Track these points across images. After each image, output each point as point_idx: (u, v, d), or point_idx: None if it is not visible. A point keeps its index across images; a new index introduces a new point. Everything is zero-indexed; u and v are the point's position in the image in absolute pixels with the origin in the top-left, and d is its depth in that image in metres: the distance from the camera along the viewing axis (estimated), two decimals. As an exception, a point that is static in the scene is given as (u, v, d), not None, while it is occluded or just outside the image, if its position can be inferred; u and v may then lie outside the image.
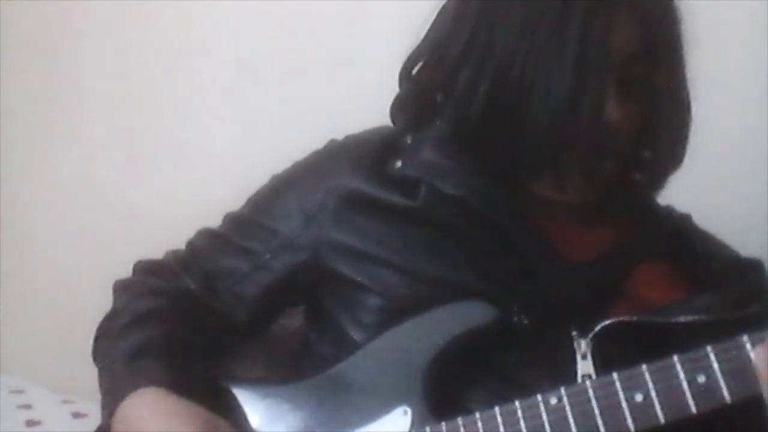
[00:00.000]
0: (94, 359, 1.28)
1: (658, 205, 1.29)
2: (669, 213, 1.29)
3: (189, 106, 2.15)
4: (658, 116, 1.17)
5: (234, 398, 1.20)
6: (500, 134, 1.15)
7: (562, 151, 1.13)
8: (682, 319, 1.13)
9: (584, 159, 1.14)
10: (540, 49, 1.11)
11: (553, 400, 1.05)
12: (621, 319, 1.13)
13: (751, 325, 1.00)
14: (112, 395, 1.17)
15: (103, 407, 1.19)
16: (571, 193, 1.17)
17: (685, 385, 1.00)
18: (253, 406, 1.20)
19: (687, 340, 1.02)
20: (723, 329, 1.01)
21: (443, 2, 1.23)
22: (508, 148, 1.15)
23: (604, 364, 1.09)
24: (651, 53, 1.15)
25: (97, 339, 1.29)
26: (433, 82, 1.22)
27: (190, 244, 1.33)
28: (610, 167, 1.18)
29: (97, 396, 1.25)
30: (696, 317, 1.13)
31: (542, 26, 1.11)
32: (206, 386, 1.20)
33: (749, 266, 1.25)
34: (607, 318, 1.13)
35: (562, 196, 1.18)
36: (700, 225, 1.30)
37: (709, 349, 1.00)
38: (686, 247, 1.26)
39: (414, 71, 1.25)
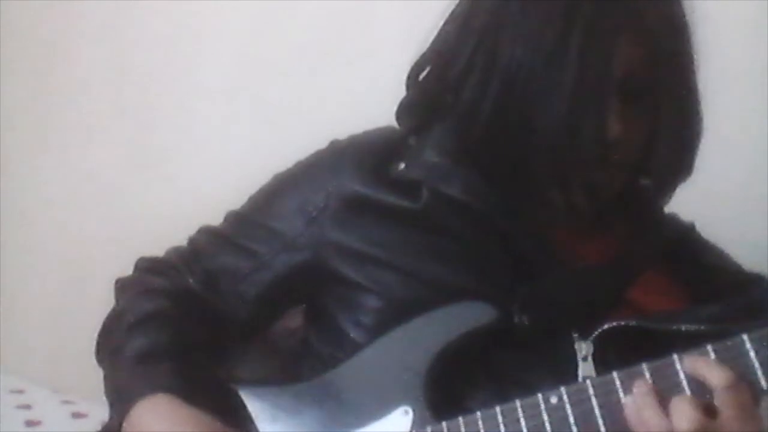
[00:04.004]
0: (98, 360, 1.28)
1: (663, 213, 1.29)
2: (673, 222, 1.29)
3: (190, 106, 2.15)
4: (664, 129, 1.17)
5: (238, 399, 1.21)
6: (504, 147, 1.15)
7: (565, 166, 1.13)
8: (683, 327, 1.13)
9: (587, 173, 1.14)
10: (541, 68, 1.11)
11: (554, 399, 1.05)
12: (622, 322, 1.13)
13: None
14: (122, 400, 1.17)
15: (113, 411, 1.20)
16: (575, 203, 1.17)
17: (685, 383, 1.00)
18: (256, 406, 1.20)
19: (687, 349, 1.02)
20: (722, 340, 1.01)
21: (449, 5, 1.23)
22: (512, 160, 1.15)
23: (605, 367, 1.09)
24: (655, 71, 1.14)
25: (100, 339, 1.29)
26: (439, 88, 1.22)
27: (192, 242, 1.33)
28: (614, 180, 1.18)
29: (97, 396, 1.25)
30: (698, 327, 1.13)
31: (543, 46, 1.11)
32: (211, 387, 1.20)
33: (752, 280, 1.25)
34: (609, 322, 1.14)
35: (564, 205, 1.17)
36: (702, 233, 1.30)
37: (709, 347, 1.00)
38: (689, 257, 1.26)
39: (421, 77, 1.25)
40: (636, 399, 1.01)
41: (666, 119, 1.16)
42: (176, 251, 1.33)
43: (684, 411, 0.98)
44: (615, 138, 1.12)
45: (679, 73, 1.17)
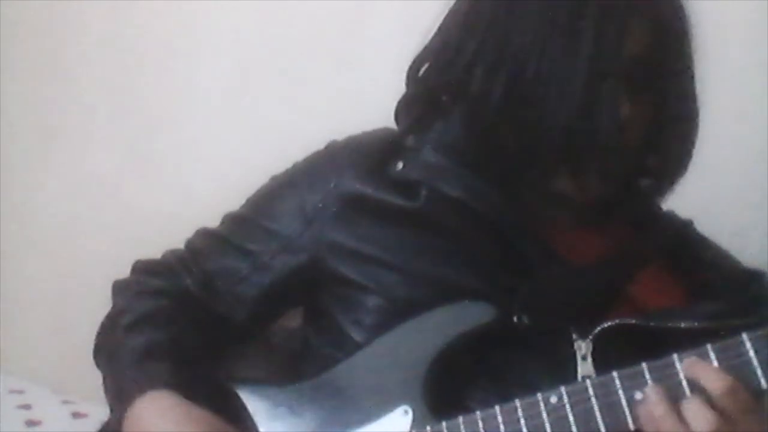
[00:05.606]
0: (96, 359, 1.28)
1: (661, 210, 1.29)
2: (671, 219, 1.29)
3: (189, 107, 2.16)
4: (666, 120, 1.17)
5: (238, 399, 1.21)
6: (516, 133, 1.15)
7: (579, 149, 1.13)
8: (682, 324, 1.13)
9: (600, 156, 1.14)
10: (554, 51, 1.11)
11: (554, 399, 1.05)
12: (620, 321, 1.13)
13: None
14: (122, 397, 1.17)
15: (112, 408, 1.20)
16: (586, 189, 1.17)
17: (685, 383, 1.00)
18: (256, 406, 1.20)
19: (687, 346, 1.02)
20: (722, 337, 1.01)
21: (447, 4, 1.23)
22: (524, 147, 1.15)
23: (604, 366, 1.09)
24: (660, 57, 1.15)
25: (99, 339, 1.29)
26: (440, 83, 1.22)
27: (189, 244, 1.33)
28: (623, 166, 1.18)
29: (97, 396, 1.25)
30: (697, 324, 1.13)
31: (556, 29, 1.11)
32: (211, 387, 1.20)
33: (751, 276, 1.25)
34: (608, 320, 1.14)
35: (576, 193, 1.17)
36: (701, 230, 1.30)
37: (709, 347, 1.00)
38: (688, 254, 1.26)
39: (420, 72, 1.25)
40: (648, 405, 1.00)
41: (668, 112, 1.17)
42: (173, 254, 1.33)
43: (700, 413, 0.98)
44: (626, 121, 1.13)
45: (683, 63, 1.18)
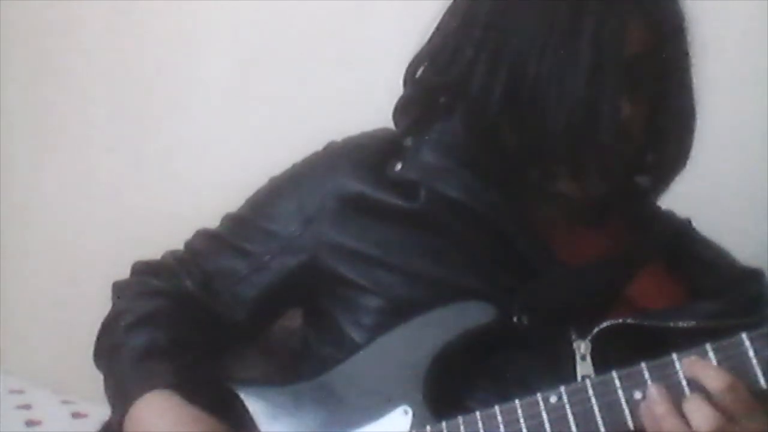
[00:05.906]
0: (97, 360, 1.28)
1: (659, 209, 1.29)
2: (669, 218, 1.29)
3: (189, 107, 2.16)
4: (664, 118, 1.17)
5: (238, 399, 1.21)
6: (516, 133, 1.15)
7: (579, 149, 1.13)
8: (681, 324, 1.13)
9: (601, 156, 1.14)
10: (554, 49, 1.11)
11: (553, 399, 1.05)
12: (619, 321, 1.13)
13: None
14: (122, 397, 1.18)
15: (113, 408, 1.20)
16: (586, 189, 1.17)
17: (684, 382, 1.00)
18: (256, 406, 1.20)
19: (686, 346, 1.02)
20: (721, 336, 1.01)
21: (446, 4, 1.23)
22: (524, 147, 1.15)
23: (603, 366, 1.09)
24: (659, 55, 1.15)
25: (100, 338, 1.29)
26: (438, 83, 1.22)
27: (189, 245, 1.33)
28: (623, 165, 1.18)
29: (97, 396, 1.26)
30: (695, 323, 1.13)
31: (555, 26, 1.11)
32: (211, 387, 1.20)
33: (750, 275, 1.25)
34: (607, 320, 1.14)
35: (576, 193, 1.17)
36: (699, 229, 1.30)
37: (708, 347, 1.00)
38: (686, 253, 1.26)
39: (418, 73, 1.25)
40: (650, 404, 1.00)
41: (666, 109, 1.17)
42: (173, 254, 1.33)
43: (701, 411, 0.98)
44: (626, 120, 1.12)
45: (682, 61, 1.18)
